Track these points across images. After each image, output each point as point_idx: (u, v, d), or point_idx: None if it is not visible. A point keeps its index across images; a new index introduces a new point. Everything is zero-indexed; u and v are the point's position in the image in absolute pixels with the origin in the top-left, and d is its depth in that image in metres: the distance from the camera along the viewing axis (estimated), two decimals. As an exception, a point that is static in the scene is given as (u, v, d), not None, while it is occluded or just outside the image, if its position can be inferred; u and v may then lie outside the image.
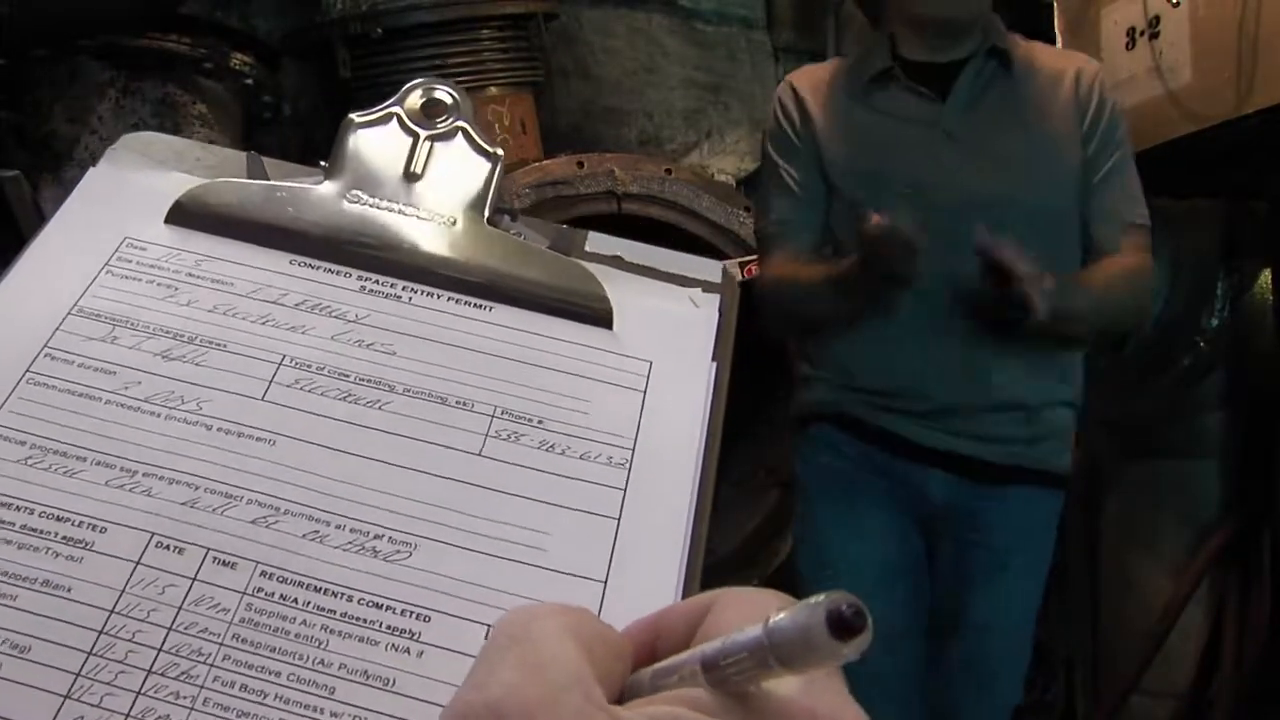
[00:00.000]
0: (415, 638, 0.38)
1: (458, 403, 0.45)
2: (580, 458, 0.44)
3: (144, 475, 0.41)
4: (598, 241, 0.52)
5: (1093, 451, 1.73)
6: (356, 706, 0.37)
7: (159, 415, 0.43)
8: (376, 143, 0.52)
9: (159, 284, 0.48)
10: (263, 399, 0.44)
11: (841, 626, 0.21)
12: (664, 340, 0.49)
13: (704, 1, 2.42)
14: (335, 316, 0.47)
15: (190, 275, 0.48)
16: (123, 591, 0.38)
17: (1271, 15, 1.62)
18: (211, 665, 0.37)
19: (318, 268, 0.49)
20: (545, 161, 2.04)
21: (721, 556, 2.05)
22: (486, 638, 0.26)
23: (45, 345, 0.45)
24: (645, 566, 0.41)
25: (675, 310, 0.50)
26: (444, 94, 0.52)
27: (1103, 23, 1.91)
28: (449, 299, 0.49)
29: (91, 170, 0.52)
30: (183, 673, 0.37)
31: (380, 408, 0.45)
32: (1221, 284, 2.03)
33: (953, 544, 1.42)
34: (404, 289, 0.49)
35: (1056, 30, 1.96)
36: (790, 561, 2.13)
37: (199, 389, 0.44)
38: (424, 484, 0.42)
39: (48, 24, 1.67)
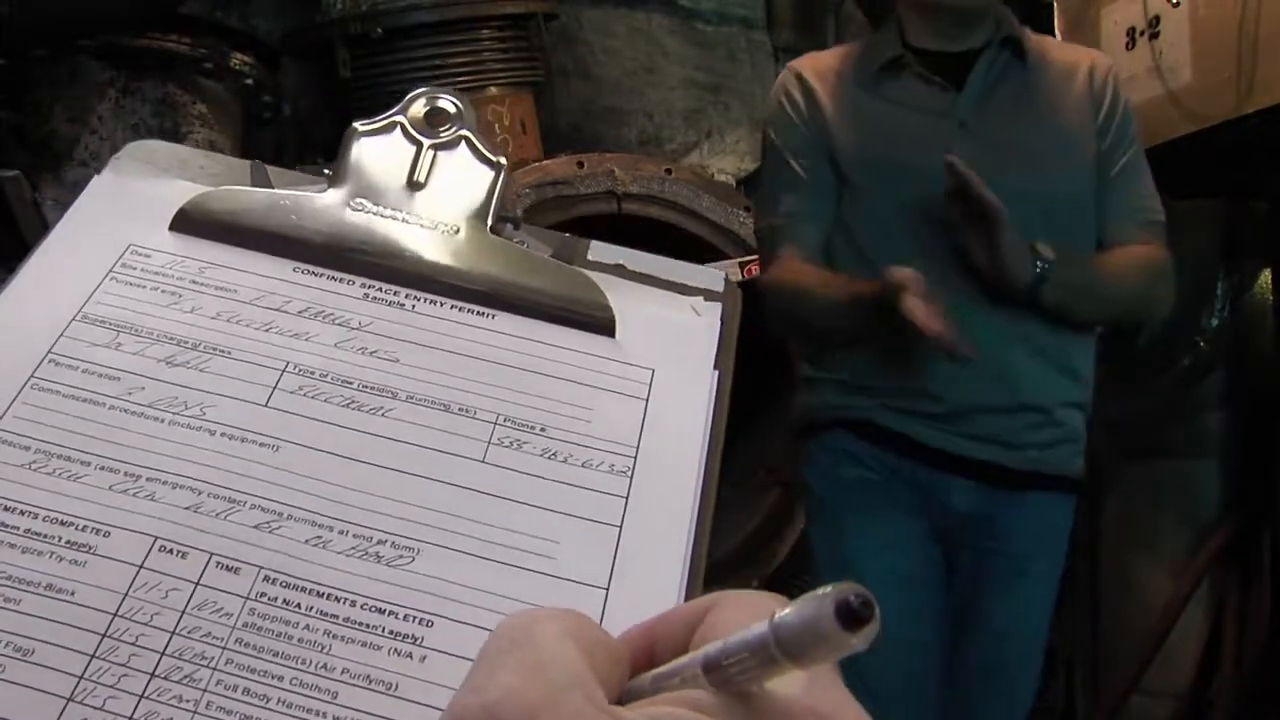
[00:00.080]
0: (418, 642, 0.39)
1: (460, 410, 0.45)
2: (582, 465, 0.44)
3: (147, 480, 0.41)
4: (600, 250, 0.52)
5: (1093, 451, 1.73)
6: (359, 711, 0.37)
7: (163, 421, 0.43)
8: (380, 151, 0.52)
9: (163, 291, 0.48)
10: (266, 405, 0.44)
11: (850, 617, 0.21)
12: (666, 348, 0.49)
13: (704, 1, 2.42)
14: (338, 324, 0.48)
15: (194, 282, 0.48)
16: (126, 595, 0.38)
17: (1271, 15, 1.62)
18: (214, 669, 0.37)
19: (321, 275, 0.49)
20: (545, 161, 2.04)
21: (721, 556, 2.05)
22: (487, 639, 0.26)
23: (50, 351, 0.45)
24: (647, 574, 0.41)
25: (677, 319, 0.50)
26: (447, 103, 0.53)
27: (1103, 23, 1.91)
28: (452, 307, 0.49)
29: (96, 178, 0.52)
30: (186, 676, 0.37)
31: (383, 414, 0.45)
32: (1221, 284, 2.03)
33: (972, 552, 1.39)
34: (407, 297, 0.49)
35: (1056, 30, 1.97)
36: (789, 562, 2.14)
37: (202, 395, 0.44)
38: (427, 490, 0.43)
39: (48, 24, 1.67)
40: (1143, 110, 1.75)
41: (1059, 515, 1.42)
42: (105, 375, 0.44)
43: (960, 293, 1.33)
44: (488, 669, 0.24)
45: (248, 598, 0.39)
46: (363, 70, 2.02)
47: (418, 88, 0.54)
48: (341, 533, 0.41)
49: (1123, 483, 2.10)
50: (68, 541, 0.40)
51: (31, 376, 0.44)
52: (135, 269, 0.48)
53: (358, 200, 0.51)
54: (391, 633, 0.39)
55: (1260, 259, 2.04)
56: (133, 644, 0.37)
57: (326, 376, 0.46)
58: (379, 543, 0.41)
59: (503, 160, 0.52)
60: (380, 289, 0.49)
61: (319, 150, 2.12)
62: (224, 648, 0.38)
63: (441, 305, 0.49)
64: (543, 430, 0.45)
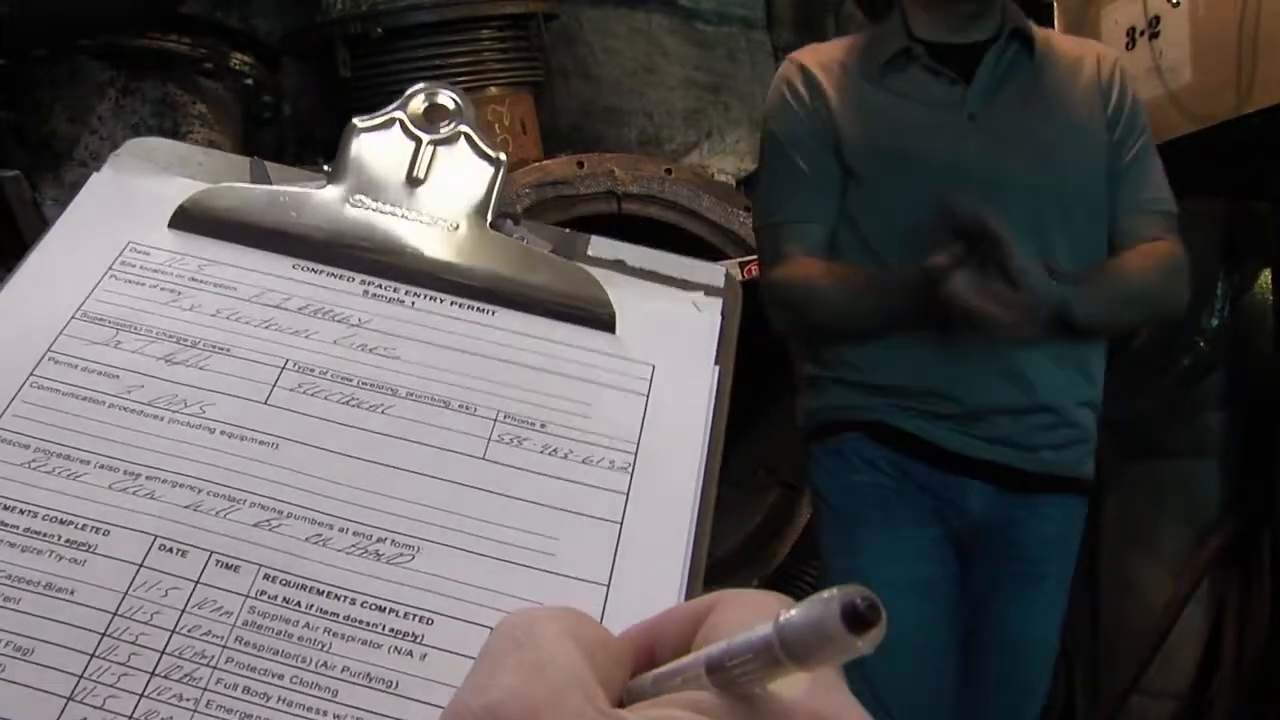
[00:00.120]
0: (418, 640, 0.39)
1: (460, 407, 0.45)
2: (583, 462, 0.44)
3: (147, 478, 0.41)
4: (600, 246, 0.52)
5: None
6: (359, 709, 0.37)
7: (162, 419, 0.43)
8: (379, 148, 0.52)
9: (162, 288, 0.48)
10: (266, 403, 0.44)
11: (856, 620, 0.21)
12: (666, 344, 0.49)
13: (704, 1, 2.42)
14: (338, 321, 0.48)
15: (193, 280, 0.48)
16: (125, 594, 0.38)
17: (1271, 15, 1.63)
18: (214, 668, 0.37)
19: (320, 272, 0.49)
20: (545, 161, 2.04)
21: (721, 556, 2.05)
22: (488, 638, 0.26)
23: (49, 349, 0.45)
24: (648, 570, 0.41)
25: (678, 314, 0.50)
26: (446, 99, 0.53)
27: (1103, 22, 1.91)
28: (452, 303, 0.49)
29: (95, 175, 0.52)
30: (186, 675, 0.37)
31: (383, 412, 0.45)
32: (1221, 284, 2.03)
33: (986, 557, 1.37)
34: (407, 293, 0.49)
35: (1056, 30, 1.97)
36: (789, 561, 2.14)
37: (202, 393, 0.44)
38: (427, 488, 0.42)
39: (48, 24, 1.68)
40: (1142, 110, 1.75)
41: (1072, 519, 1.39)
42: (105, 373, 0.44)
43: None
44: (488, 669, 0.24)
45: (248, 596, 0.39)
46: (363, 70, 2.02)
47: (418, 88, 0.53)
48: (341, 530, 0.41)
49: (1123, 483, 2.10)
50: (67, 540, 0.39)
51: (31, 375, 0.44)
52: (135, 266, 0.48)
53: (357, 196, 0.51)
54: (392, 630, 0.39)
55: (1260, 259, 2.04)
56: (133, 643, 0.37)
57: (326, 374, 0.45)
58: (379, 540, 0.41)
59: (502, 156, 0.52)
60: (380, 285, 0.49)
61: (319, 150, 2.12)
62: (224, 646, 0.38)
63: (441, 301, 0.49)
64: (543, 427, 0.45)
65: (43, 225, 0.49)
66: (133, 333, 0.46)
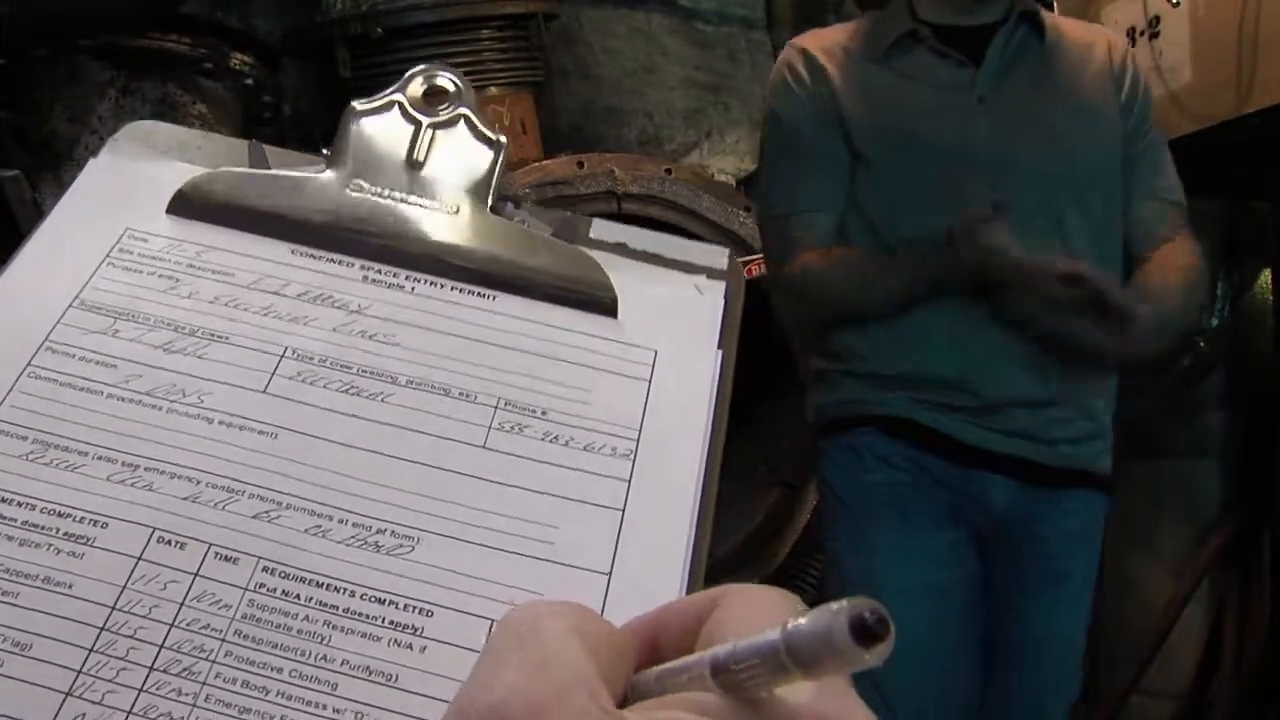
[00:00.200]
0: (418, 633, 0.38)
1: (461, 394, 0.45)
2: (584, 449, 0.44)
3: (145, 470, 0.41)
4: (601, 229, 0.52)
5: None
6: (359, 702, 0.37)
7: (160, 409, 0.43)
8: (378, 131, 0.52)
9: (160, 275, 0.47)
10: (265, 392, 0.44)
11: (864, 632, 0.21)
12: (669, 328, 0.48)
13: (704, 1, 2.42)
14: (338, 307, 0.47)
15: (192, 266, 0.48)
16: (124, 587, 0.38)
17: (1271, 15, 1.63)
18: (214, 661, 0.37)
19: (320, 258, 0.49)
20: (545, 161, 2.04)
21: (722, 555, 2.05)
22: (490, 634, 0.26)
23: (46, 338, 0.45)
24: (650, 559, 0.41)
25: (680, 298, 0.50)
26: (446, 81, 0.52)
27: (1103, 22, 1.92)
28: (452, 288, 0.49)
29: (92, 160, 0.51)
30: (185, 669, 0.37)
31: (383, 400, 0.44)
32: (1221, 284, 2.03)
33: (1010, 554, 1.33)
34: (407, 278, 0.49)
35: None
36: (790, 561, 2.13)
37: (201, 382, 0.44)
38: (427, 477, 0.42)
39: (48, 24, 1.68)
40: (1143, 110, 1.75)
41: (1094, 514, 1.36)
42: (103, 363, 0.44)
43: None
44: (492, 666, 0.24)
45: (246, 589, 0.39)
46: (363, 70, 2.02)
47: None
48: (341, 521, 0.41)
49: (1123, 483, 2.10)
50: (65, 533, 0.39)
51: (28, 364, 0.44)
52: (132, 253, 0.48)
53: (356, 180, 0.50)
54: (391, 623, 0.38)
55: (1260, 259, 2.05)
56: (131, 637, 0.37)
57: (326, 361, 0.45)
58: (379, 531, 0.40)
59: (503, 139, 0.51)
60: (379, 271, 0.49)
61: (319, 150, 2.11)
62: (223, 640, 0.37)
63: (442, 286, 0.49)
64: (544, 414, 0.45)
65: (43, 216, 0.49)
66: (131, 321, 0.45)
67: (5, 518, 0.39)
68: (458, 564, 0.40)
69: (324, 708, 0.36)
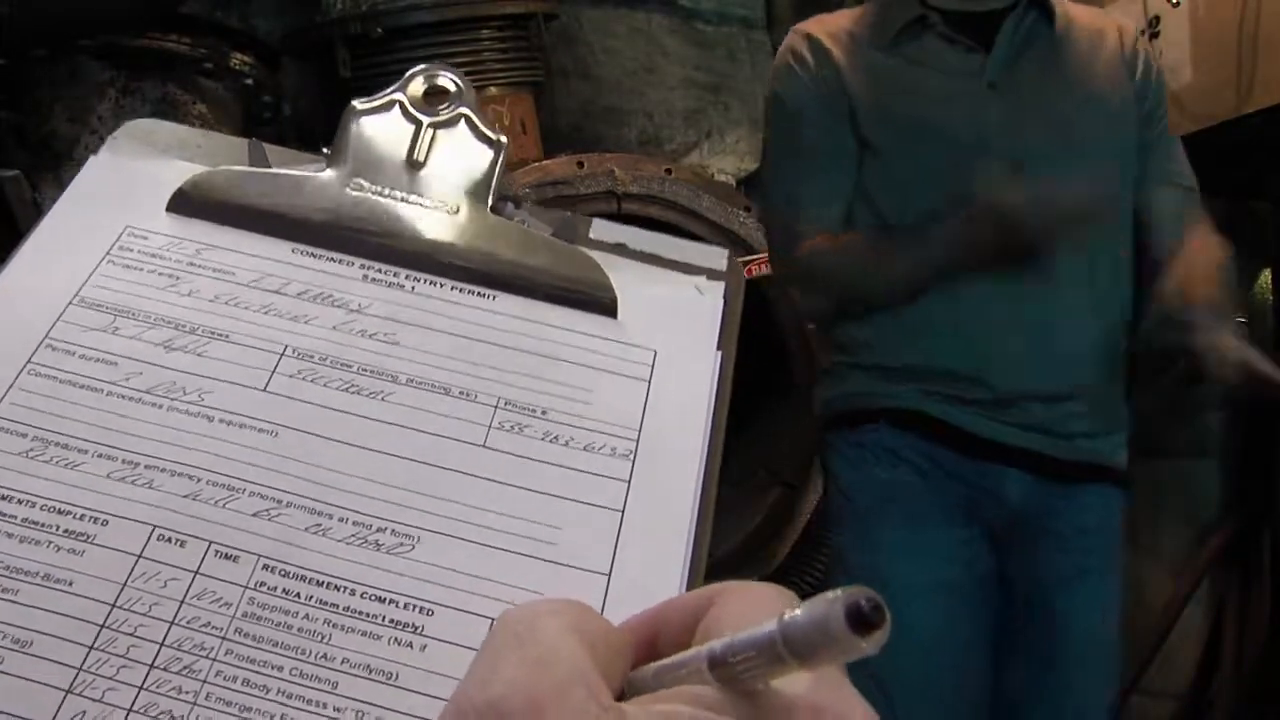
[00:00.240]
0: (418, 631, 0.38)
1: (461, 393, 0.45)
2: (584, 449, 0.44)
3: (145, 467, 0.41)
4: (601, 229, 0.52)
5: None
6: (359, 700, 0.37)
7: (160, 407, 0.43)
8: (379, 130, 0.52)
9: (160, 273, 0.47)
10: (265, 390, 0.44)
11: (860, 620, 0.21)
12: (668, 328, 0.48)
13: (704, 1, 2.42)
14: (337, 306, 0.47)
15: (191, 264, 0.48)
16: (124, 585, 0.38)
17: (1271, 15, 1.63)
18: (214, 659, 0.37)
19: (320, 256, 0.49)
20: (545, 161, 2.04)
21: (721, 556, 2.05)
22: (488, 633, 0.26)
23: (46, 336, 0.45)
24: (649, 558, 0.41)
25: (680, 298, 0.50)
26: (446, 80, 0.52)
27: (1103, 22, 1.91)
28: (452, 287, 0.49)
29: (92, 158, 0.51)
30: (185, 667, 0.37)
31: (383, 399, 0.44)
32: (1222, 284, 2.03)
33: (1025, 550, 1.31)
34: (407, 277, 0.49)
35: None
36: (789, 561, 2.13)
37: (201, 380, 0.44)
38: (427, 476, 0.42)
39: (48, 24, 1.68)
40: (1143, 109, 1.75)
41: (1111, 509, 1.33)
42: (103, 360, 0.44)
43: (1011, 274, 1.25)
44: (490, 663, 0.24)
45: (247, 587, 0.39)
46: (363, 70, 2.02)
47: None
48: (341, 520, 0.41)
49: (1123, 483, 2.10)
50: (65, 530, 0.39)
51: (28, 362, 0.44)
52: (132, 251, 0.48)
53: (356, 180, 0.51)
54: (391, 621, 0.38)
55: (1260, 259, 2.04)
56: (131, 635, 0.37)
57: (326, 360, 0.45)
58: (379, 530, 0.41)
59: (503, 139, 0.51)
60: (380, 270, 0.49)
61: (319, 150, 2.11)
62: (223, 638, 0.37)
63: (442, 286, 0.49)
64: (544, 413, 0.45)
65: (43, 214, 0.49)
66: (130, 319, 0.46)
67: (5, 515, 0.39)
68: (458, 563, 0.40)
69: (324, 706, 0.36)
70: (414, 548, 0.40)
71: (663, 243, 0.52)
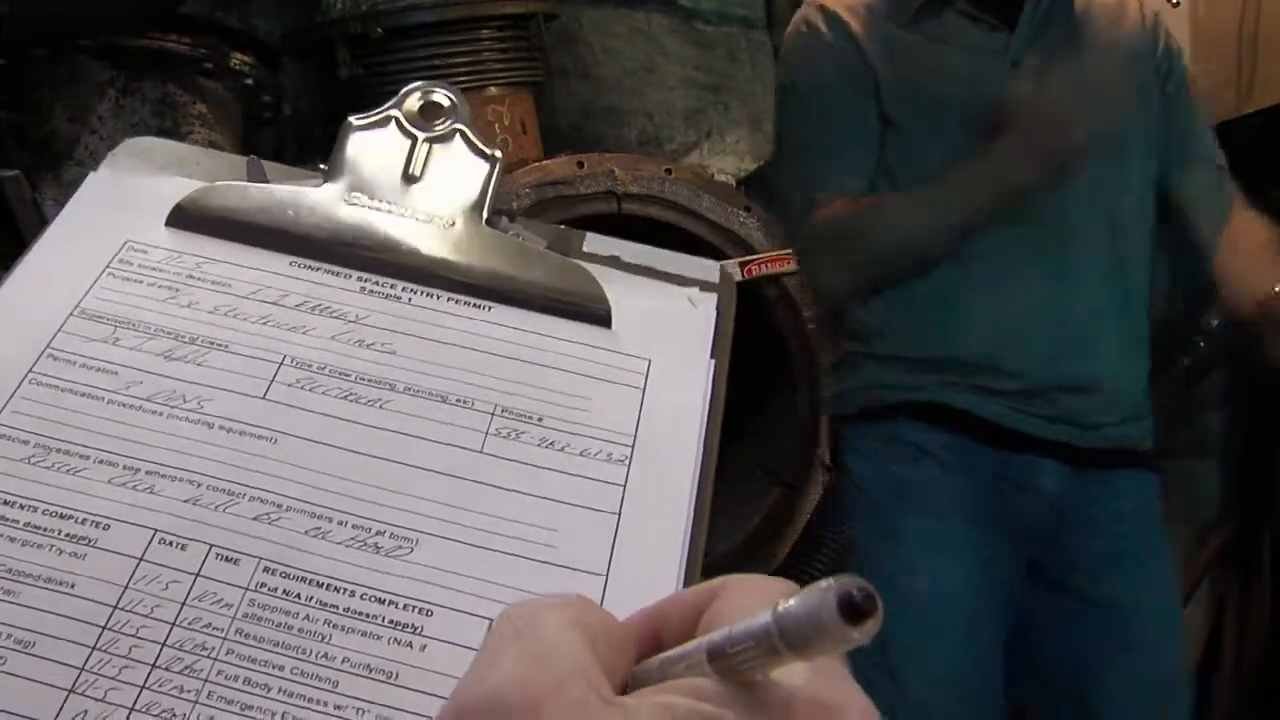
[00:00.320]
0: (417, 631, 0.39)
1: (458, 401, 0.46)
2: (580, 454, 0.44)
3: (146, 473, 0.42)
4: (595, 242, 0.53)
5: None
6: (359, 699, 0.37)
7: (161, 414, 0.43)
8: (375, 146, 0.53)
9: (160, 286, 0.48)
10: (264, 398, 0.45)
11: (852, 610, 0.21)
12: (662, 338, 0.49)
13: (704, 1, 2.42)
14: (335, 317, 0.48)
15: (191, 277, 0.48)
16: (126, 587, 0.39)
17: (1271, 15, 1.63)
18: (215, 660, 0.37)
19: (318, 269, 0.50)
20: (545, 161, 2.04)
21: (720, 556, 2.05)
22: (489, 631, 0.26)
23: (48, 346, 0.45)
24: (645, 561, 0.41)
25: (673, 309, 0.51)
26: (442, 96, 0.53)
27: (1102, 23, 1.92)
28: (448, 299, 0.50)
29: (92, 174, 0.52)
30: (186, 667, 0.37)
31: (381, 406, 0.45)
32: (1222, 284, 2.03)
33: (1062, 541, 1.26)
34: (404, 290, 0.49)
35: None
36: (789, 561, 2.14)
37: (200, 388, 0.44)
38: (425, 481, 0.43)
39: (48, 24, 1.68)
40: (1142, 110, 1.75)
41: (1147, 494, 1.29)
42: (103, 370, 0.45)
43: (1025, 243, 1.23)
44: (490, 658, 0.24)
45: (247, 588, 0.39)
46: (363, 70, 2.02)
47: (418, 87, 0.54)
48: (340, 523, 0.41)
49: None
50: (67, 535, 0.40)
51: (30, 371, 0.44)
52: (132, 264, 0.49)
53: (353, 194, 0.51)
54: (391, 622, 0.39)
55: (1260, 258, 2.04)
56: (133, 636, 0.37)
57: (324, 369, 0.46)
58: (378, 533, 0.41)
59: (497, 153, 0.52)
60: (377, 282, 0.50)
61: (319, 150, 2.12)
62: (224, 638, 0.38)
63: (438, 298, 0.49)
64: (540, 420, 0.45)
65: (43, 225, 0.49)
66: (131, 329, 0.46)
67: (8, 520, 0.40)
68: (456, 565, 0.40)
69: (325, 705, 0.37)
70: (413, 550, 0.41)
71: (656, 256, 0.52)
